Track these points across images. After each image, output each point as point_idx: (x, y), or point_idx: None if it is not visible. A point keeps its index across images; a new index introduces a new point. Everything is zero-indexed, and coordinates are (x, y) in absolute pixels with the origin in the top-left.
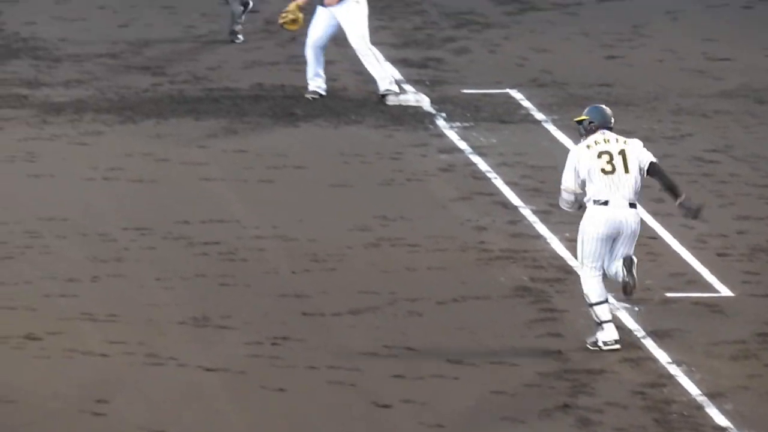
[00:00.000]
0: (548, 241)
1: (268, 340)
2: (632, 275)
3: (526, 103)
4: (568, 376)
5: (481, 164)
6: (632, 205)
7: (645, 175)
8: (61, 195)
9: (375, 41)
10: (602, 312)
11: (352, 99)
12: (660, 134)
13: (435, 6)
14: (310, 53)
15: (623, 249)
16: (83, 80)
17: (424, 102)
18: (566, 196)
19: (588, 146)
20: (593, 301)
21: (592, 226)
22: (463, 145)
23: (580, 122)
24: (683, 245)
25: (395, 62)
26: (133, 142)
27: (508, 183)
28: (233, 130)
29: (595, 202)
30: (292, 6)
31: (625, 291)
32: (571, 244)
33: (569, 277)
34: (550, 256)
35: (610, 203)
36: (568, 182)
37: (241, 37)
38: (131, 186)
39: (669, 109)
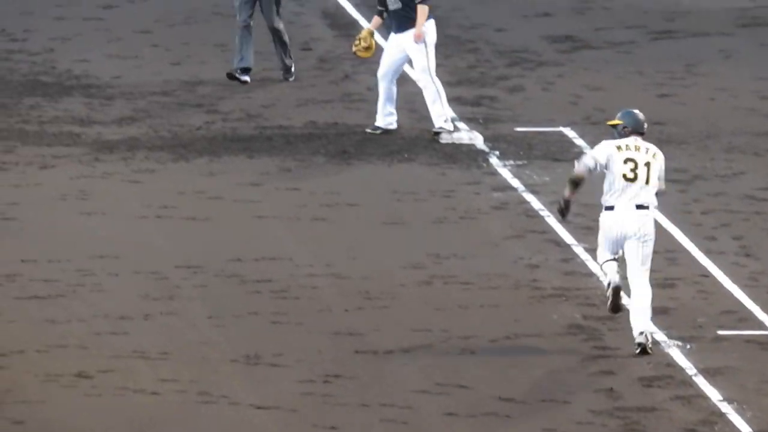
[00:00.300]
0: (600, 279)
1: (320, 378)
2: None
3: (579, 141)
4: (620, 414)
5: (534, 202)
6: (640, 207)
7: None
8: (114, 233)
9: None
10: (611, 274)
11: (405, 137)
12: (712, 172)
13: (488, 44)
14: (382, 86)
15: (635, 250)
16: (136, 118)
17: (478, 140)
18: (584, 166)
19: (618, 147)
20: (608, 281)
21: (602, 230)
22: (516, 183)
23: (614, 126)
24: (735, 283)
25: (449, 100)
26: (186, 180)
27: (561, 221)
28: (286, 168)
29: (606, 208)
30: (364, 33)
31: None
32: (624, 282)
33: (622, 314)
34: (602, 294)
35: (616, 208)
36: (590, 162)
37: (293, 73)
38: (184, 224)
39: (721, 148)
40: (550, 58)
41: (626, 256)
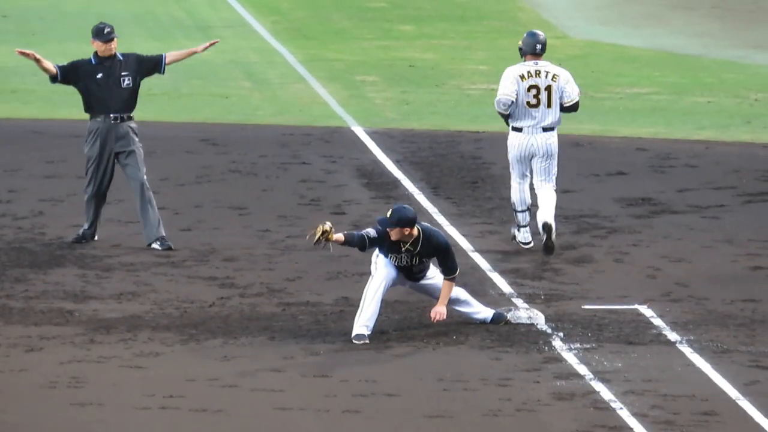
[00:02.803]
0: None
1: None
2: (551, 240)
3: (657, 321)
4: None
5: (605, 392)
6: (546, 129)
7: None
8: (112, 427)
9: (482, 248)
10: (522, 218)
11: (454, 315)
12: None
13: None
14: None
15: (539, 166)
16: (138, 293)
17: (539, 319)
18: (504, 106)
19: (522, 77)
20: (517, 208)
21: (511, 149)
22: (583, 369)
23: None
24: None
25: (505, 272)
26: (197, 366)
27: (635, 414)
28: (314, 351)
29: (513, 129)
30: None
31: (546, 251)
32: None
33: None
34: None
35: (524, 130)
36: (506, 99)
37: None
38: (193, 417)
39: None
40: (624, 224)
41: (534, 170)
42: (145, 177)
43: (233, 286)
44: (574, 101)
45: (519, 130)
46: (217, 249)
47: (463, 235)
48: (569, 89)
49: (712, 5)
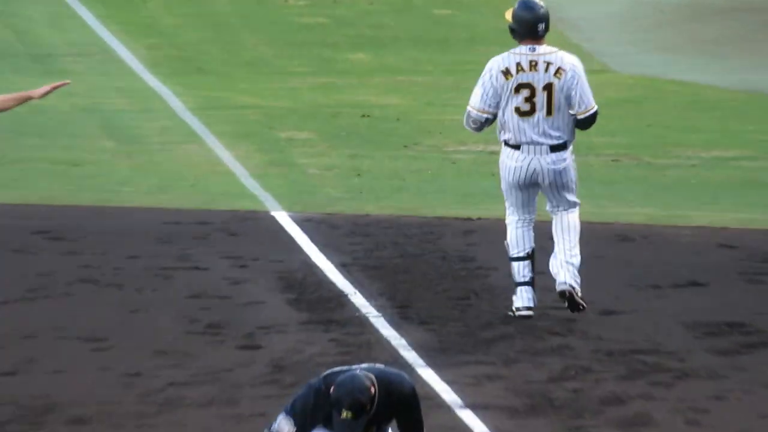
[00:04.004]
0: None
1: None
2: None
3: None
4: None
5: None
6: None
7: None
8: None
9: (476, 402)
10: (519, 270)
11: None
12: None
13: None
14: None
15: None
16: None
17: None
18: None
19: (506, 72)
20: (510, 253)
21: (503, 171)
22: None
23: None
24: None
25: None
26: None
27: None
28: None
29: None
30: None
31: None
32: None
33: None
34: None
35: (522, 148)
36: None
37: None
38: None
39: None
40: (700, 365)
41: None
42: None
43: None
44: (590, 111)
45: (516, 147)
46: (59, 404)
47: (447, 381)
48: (580, 90)
49: None
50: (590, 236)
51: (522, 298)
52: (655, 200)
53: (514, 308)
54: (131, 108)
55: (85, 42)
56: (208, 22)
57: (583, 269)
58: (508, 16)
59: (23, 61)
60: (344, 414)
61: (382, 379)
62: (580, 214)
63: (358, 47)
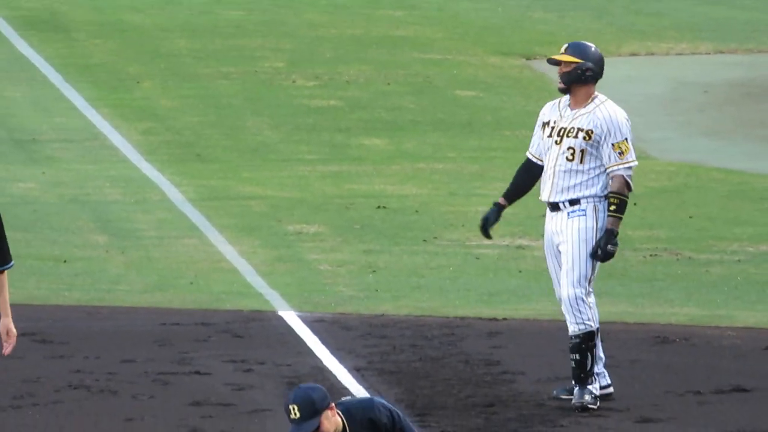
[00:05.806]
0: None
1: None
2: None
3: None
4: None
5: None
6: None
7: None
8: None
9: None
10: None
11: None
12: None
13: None
14: None
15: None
16: None
17: None
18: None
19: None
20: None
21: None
22: None
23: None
24: None
25: None
26: None
27: None
28: None
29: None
30: None
31: None
32: None
33: None
34: None
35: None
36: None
37: None
38: None
39: None
40: None
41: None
42: None
43: None
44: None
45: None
46: None
47: None
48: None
49: None
50: (627, 337)
51: (606, 375)
52: (696, 299)
53: (599, 387)
54: (125, 199)
55: (74, 126)
56: (208, 104)
57: (619, 372)
58: (571, 57)
59: (5, 146)
60: (291, 408)
61: (346, 409)
62: (616, 313)
63: (374, 132)
